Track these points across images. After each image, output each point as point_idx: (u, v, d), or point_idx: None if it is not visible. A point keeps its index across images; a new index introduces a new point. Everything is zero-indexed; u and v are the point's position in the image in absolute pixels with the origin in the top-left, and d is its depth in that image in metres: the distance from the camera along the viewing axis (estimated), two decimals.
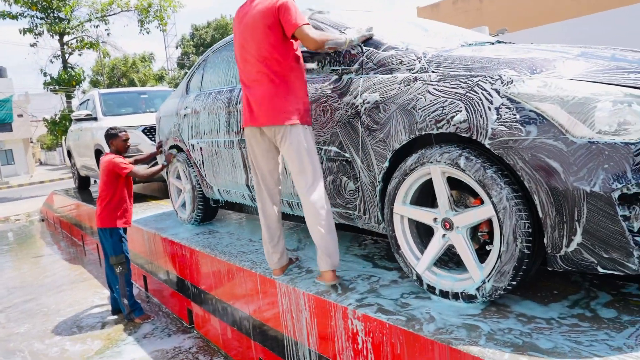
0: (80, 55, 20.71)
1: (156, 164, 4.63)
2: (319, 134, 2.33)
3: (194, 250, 3.24)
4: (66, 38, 19.79)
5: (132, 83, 33.79)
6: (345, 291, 2.07)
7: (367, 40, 2.18)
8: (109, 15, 20.67)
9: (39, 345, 3.51)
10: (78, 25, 19.89)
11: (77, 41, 20.25)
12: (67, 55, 20.06)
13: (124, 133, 3.86)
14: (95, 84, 33.92)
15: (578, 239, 1.46)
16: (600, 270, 1.47)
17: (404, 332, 1.64)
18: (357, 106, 2.10)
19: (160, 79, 35.72)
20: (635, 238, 1.41)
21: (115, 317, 3.90)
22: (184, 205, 4.05)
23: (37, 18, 18.93)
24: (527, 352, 1.39)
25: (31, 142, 33.92)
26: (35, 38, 19.13)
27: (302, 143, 2.11)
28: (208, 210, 3.85)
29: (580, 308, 1.65)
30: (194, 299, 3.43)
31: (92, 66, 35.19)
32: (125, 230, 3.86)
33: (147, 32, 21.19)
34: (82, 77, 20.30)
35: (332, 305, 1.99)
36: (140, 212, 4.96)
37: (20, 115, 30.76)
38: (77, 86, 20.47)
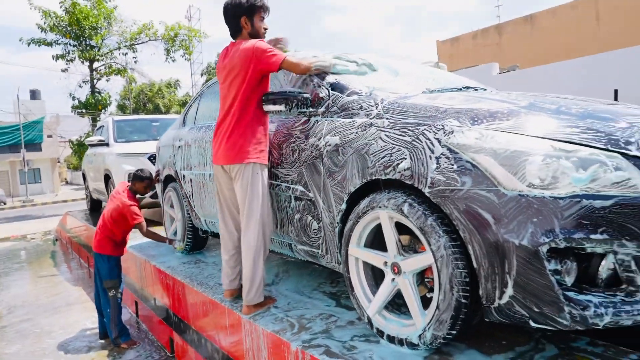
0: (107, 81, 21.60)
1: (156, 194, 4.77)
2: (288, 172, 2.39)
3: (176, 280, 3.29)
4: (95, 64, 20.72)
5: (157, 108, 34.90)
6: (301, 330, 2.08)
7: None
8: (137, 44, 21.58)
9: (42, 343, 3.58)
10: (107, 52, 20.83)
11: (105, 67, 21.17)
12: (95, 81, 20.94)
13: (148, 181, 4.02)
14: (122, 108, 35.17)
15: (510, 291, 1.46)
16: (533, 324, 1.46)
17: None
18: (320, 148, 2.16)
19: (184, 104, 36.76)
20: (566, 293, 1.41)
21: (102, 341, 3.95)
22: (175, 233, 4.13)
23: (70, 45, 19.92)
24: None
25: (58, 162, 35.08)
26: (66, 64, 20.08)
27: (252, 184, 2.30)
28: (197, 239, 3.92)
29: None
30: (175, 328, 3.47)
31: (119, 91, 36.43)
32: (120, 257, 3.97)
33: (173, 61, 21.99)
34: (108, 102, 21.12)
35: (285, 344, 2.00)
36: (139, 236, 5.07)
37: (49, 136, 32.00)
38: (103, 110, 21.24)
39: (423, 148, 1.67)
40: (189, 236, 3.87)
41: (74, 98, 20.38)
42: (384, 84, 2.28)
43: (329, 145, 2.11)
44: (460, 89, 2.40)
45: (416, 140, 1.71)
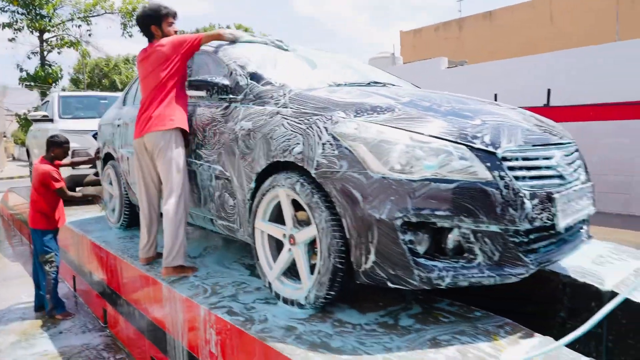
0: (59, 53, 20.70)
1: (97, 173, 4.85)
2: (210, 153, 2.60)
3: (109, 253, 3.45)
4: (46, 35, 19.79)
5: (113, 84, 33.74)
6: (212, 294, 2.32)
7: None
8: (92, 17, 20.75)
9: None
10: (59, 23, 19.93)
11: (57, 39, 20.27)
12: (45, 53, 20.02)
13: (66, 145, 4.08)
14: (75, 82, 33.80)
15: (372, 257, 1.76)
16: (390, 284, 1.76)
17: (236, 329, 1.90)
18: (236, 132, 2.38)
19: None
20: (416, 259, 1.71)
21: (37, 313, 4.05)
22: (114, 209, 4.25)
23: (18, 13, 18.91)
24: (318, 350, 1.66)
25: (5, 136, 33.37)
26: (14, 33, 19.08)
27: (173, 156, 2.57)
28: (133, 215, 4.05)
29: (388, 317, 1.94)
30: (109, 300, 3.62)
31: (73, 65, 34.97)
32: (57, 230, 4.05)
33: (130, 36, 21.31)
34: (59, 75, 20.26)
35: (195, 307, 2.23)
36: (80, 213, 5.13)
37: None
38: (54, 84, 20.36)
39: (314, 135, 1.93)
40: (125, 212, 4.01)
41: (21, 70, 19.45)
42: (298, 76, 2.51)
43: (243, 129, 2.33)
44: (369, 84, 2.67)
45: (309, 128, 1.96)
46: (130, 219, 4.05)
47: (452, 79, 9.92)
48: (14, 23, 19.03)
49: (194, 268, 2.73)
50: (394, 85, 2.83)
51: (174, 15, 2.75)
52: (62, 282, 4.67)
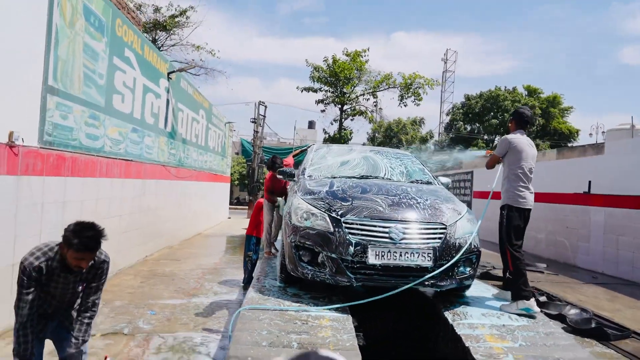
0: (352, 120, 26.90)
1: None
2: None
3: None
4: (344, 107, 26.26)
5: (400, 142, 39.40)
6: (263, 275, 4.78)
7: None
8: (379, 91, 26.09)
9: (206, 283, 7.27)
10: (354, 98, 26.02)
11: (351, 109, 26.50)
12: (343, 120, 26.47)
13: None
14: (372, 140, 41.44)
15: (287, 260, 3.89)
16: (292, 274, 3.84)
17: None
18: (295, 191, 4.83)
19: (424, 141, 40.16)
20: (300, 263, 3.76)
21: (243, 284, 7.35)
22: None
23: (329, 92, 25.92)
24: (259, 293, 3.91)
25: None
26: (324, 106, 26.23)
27: (264, 209, 5.23)
28: None
29: (305, 294, 3.93)
30: None
31: (371, 127, 42.77)
32: (257, 240, 7.26)
33: (405, 105, 25.56)
34: (350, 137, 26.21)
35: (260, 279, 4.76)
36: None
37: None
38: (346, 143, 26.47)
39: (291, 202, 4.19)
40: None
41: (325, 132, 26.42)
42: (321, 171, 4.78)
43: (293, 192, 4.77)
44: (361, 177, 4.61)
45: (292, 198, 4.24)
46: None
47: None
48: (325, 99, 26.05)
49: (274, 255, 5.34)
50: (385, 178, 4.65)
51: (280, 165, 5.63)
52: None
